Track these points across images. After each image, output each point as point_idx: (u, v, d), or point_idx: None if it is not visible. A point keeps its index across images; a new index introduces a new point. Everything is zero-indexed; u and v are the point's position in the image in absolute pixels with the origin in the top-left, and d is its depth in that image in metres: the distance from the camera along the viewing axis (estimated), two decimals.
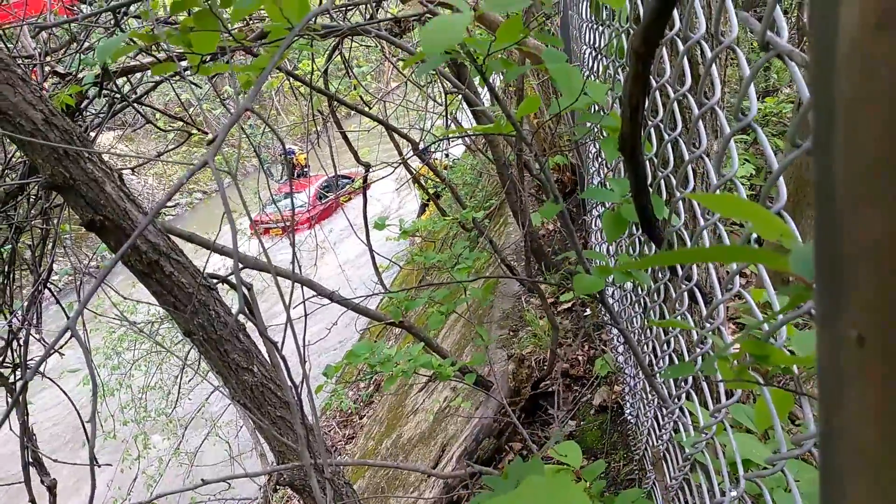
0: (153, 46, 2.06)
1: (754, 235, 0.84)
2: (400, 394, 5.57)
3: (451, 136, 3.87)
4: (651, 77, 1.15)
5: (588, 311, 3.88)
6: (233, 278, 1.65)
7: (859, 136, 0.19)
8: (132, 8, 1.74)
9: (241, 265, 2.27)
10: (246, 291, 1.36)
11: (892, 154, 0.19)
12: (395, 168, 3.93)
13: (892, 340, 0.20)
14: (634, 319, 1.70)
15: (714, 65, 0.79)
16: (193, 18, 1.01)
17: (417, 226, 2.71)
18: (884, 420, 0.21)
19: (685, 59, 0.88)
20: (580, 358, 3.54)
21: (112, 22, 2.06)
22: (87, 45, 2.53)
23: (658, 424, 1.57)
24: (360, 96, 4.91)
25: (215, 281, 1.54)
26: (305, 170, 12.39)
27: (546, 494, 0.62)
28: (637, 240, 1.47)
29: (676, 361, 1.28)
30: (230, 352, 1.46)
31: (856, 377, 0.21)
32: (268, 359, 1.59)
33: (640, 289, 1.55)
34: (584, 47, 1.92)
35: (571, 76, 0.94)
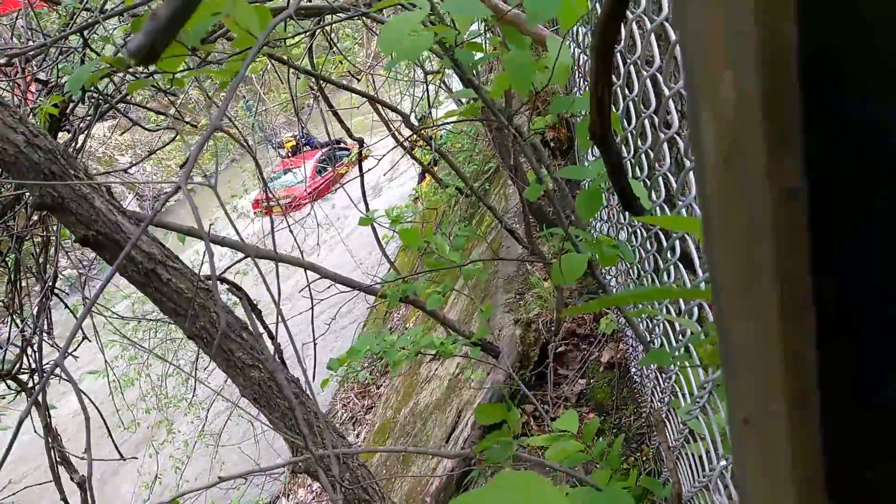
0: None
1: None
2: (414, 362, 5.67)
3: (435, 123, 3.83)
4: (628, 66, 1.15)
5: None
6: (228, 275, 1.67)
7: None
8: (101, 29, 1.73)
9: (244, 253, 2.30)
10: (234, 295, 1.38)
11: None
12: (387, 136, 3.91)
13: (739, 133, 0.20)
14: (631, 285, 1.72)
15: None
16: None
17: (401, 213, 2.73)
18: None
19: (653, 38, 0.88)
20: (586, 317, 3.57)
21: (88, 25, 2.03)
22: (66, 47, 2.51)
23: (659, 386, 1.60)
24: (348, 70, 4.86)
25: (212, 282, 1.56)
26: (288, 155, 12.28)
27: (518, 488, 0.65)
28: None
29: (669, 329, 1.31)
30: (235, 350, 1.50)
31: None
32: (273, 354, 1.63)
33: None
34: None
35: (523, 64, 0.94)
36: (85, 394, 2.54)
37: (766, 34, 0.14)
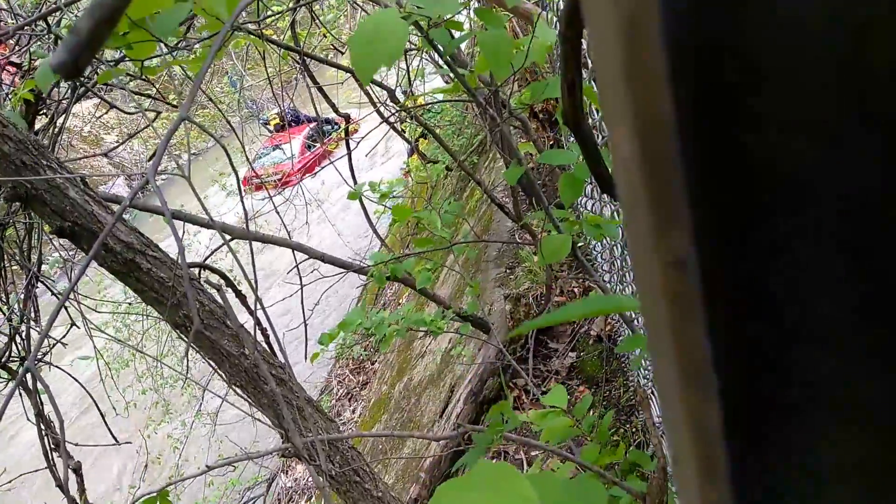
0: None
1: None
2: (407, 337, 5.69)
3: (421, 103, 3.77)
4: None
5: (581, 243, 3.91)
6: (209, 262, 1.66)
7: None
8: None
9: (228, 236, 2.28)
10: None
11: None
12: (374, 112, 3.85)
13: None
14: (616, 262, 1.72)
15: None
16: (128, 28, 0.99)
17: (391, 188, 2.70)
18: None
19: None
20: (576, 290, 3.59)
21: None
22: (40, 30, 2.45)
23: (644, 362, 1.61)
24: (333, 45, 4.79)
25: (195, 270, 1.55)
26: (274, 132, 12.08)
27: (491, 481, 0.66)
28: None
29: None
30: (219, 339, 1.49)
31: None
32: (259, 339, 1.62)
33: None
34: None
35: (499, 45, 0.92)
36: (78, 381, 2.53)
37: (640, 106, 0.13)
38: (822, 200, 0.14)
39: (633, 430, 2.54)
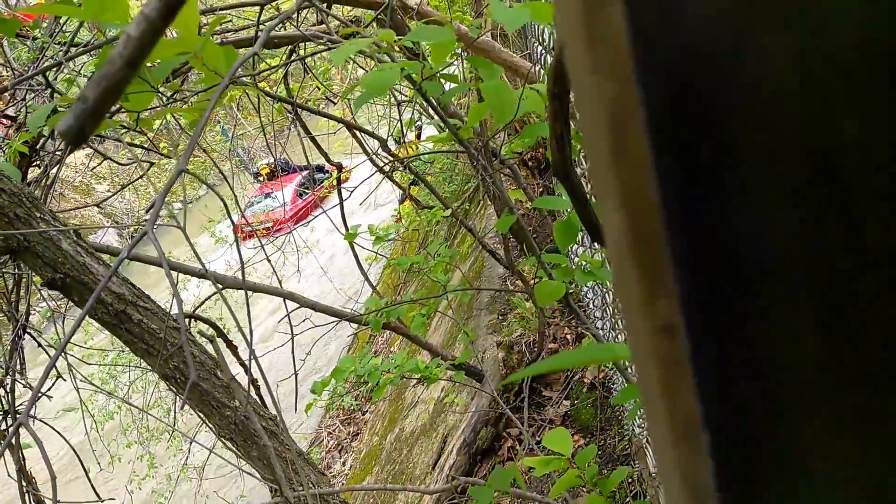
0: None
1: None
2: (399, 386, 5.62)
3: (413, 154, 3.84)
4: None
5: (572, 290, 3.91)
6: (199, 311, 1.65)
7: None
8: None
9: (220, 285, 2.27)
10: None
11: None
12: (366, 160, 3.90)
13: None
14: (608, 309, 1.72)
15: None
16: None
17: (389, 230, 2.72)
18: None
19: None
20: (568, 336, 3.58)
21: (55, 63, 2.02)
22: (36, 84, 2.48)
23: (639, 412, 1.60)
24: (326, 96, 4.88)
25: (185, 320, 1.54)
26: (265, 180, 12.16)
27: None
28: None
29: None
30: (210, 391, 1.47)
31: None
32: (251, 392, 1.60)
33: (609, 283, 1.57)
34: (533, 40, 1.92)
35: (501, 94, 0.95)
36: (63, 437, 2.48)
37: (626, 187, 0.14)
38: (801, 271, 0.15)
39: (629, 479, 2.49)
